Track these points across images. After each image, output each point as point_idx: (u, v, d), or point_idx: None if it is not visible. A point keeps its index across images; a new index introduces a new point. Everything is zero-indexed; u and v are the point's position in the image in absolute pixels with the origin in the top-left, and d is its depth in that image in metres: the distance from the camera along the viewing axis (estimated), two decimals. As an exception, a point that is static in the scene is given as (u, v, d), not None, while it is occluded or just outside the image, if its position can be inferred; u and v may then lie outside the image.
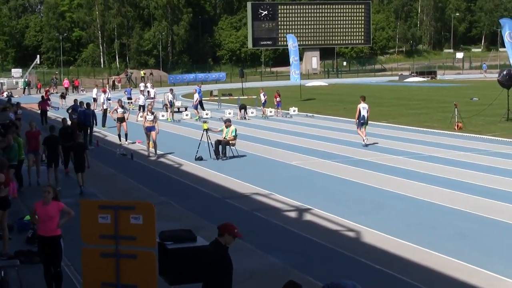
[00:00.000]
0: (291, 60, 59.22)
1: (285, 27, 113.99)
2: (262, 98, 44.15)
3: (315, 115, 43.87)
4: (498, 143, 28.95)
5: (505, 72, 38.38)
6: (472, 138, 30.65)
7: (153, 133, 26.94)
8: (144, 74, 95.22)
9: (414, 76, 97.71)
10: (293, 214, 17.27)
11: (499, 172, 22.16)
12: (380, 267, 12.67)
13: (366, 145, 28.58)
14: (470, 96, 54.95)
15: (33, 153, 21.69)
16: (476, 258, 13.08)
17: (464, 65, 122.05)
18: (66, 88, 72.85)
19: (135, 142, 31.41)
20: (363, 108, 28.78)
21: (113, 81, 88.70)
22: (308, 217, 16.92)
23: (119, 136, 31.69)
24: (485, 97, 51.00)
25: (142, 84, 61.87)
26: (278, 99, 43.79)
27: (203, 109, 45.19)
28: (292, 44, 59.52)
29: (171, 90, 44.62)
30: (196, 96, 43.53)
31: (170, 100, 43.34)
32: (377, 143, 29.48)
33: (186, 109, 45.74)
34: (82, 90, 79.21)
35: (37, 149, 21.69)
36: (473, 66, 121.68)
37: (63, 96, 56.46)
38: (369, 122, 29.58)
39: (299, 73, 59.92)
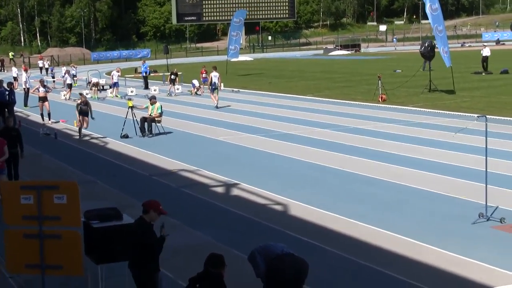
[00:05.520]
0: (230, 35, 58.67)
1: (209, 2, 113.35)
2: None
3: (241, 90, 43.87)
4: (420, 114, 29.50)
5: (426, 44, 39.09)
6: (396, 110, 31.16)
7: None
8: (13, 56, 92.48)
9: (338, 49, 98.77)
10: (221, 190, 17.26)
11: (422, 142, 22.60)
12: (308, 239, 12.78)
13: (217, 107, 33.90)
14: (393, 68, 55.83)
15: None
16: (402, 227, 13.32)
17: (387, 37, 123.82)
18: None
19: (59, 121, 30.85)
20: (214, 76, 34.90)
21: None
22: (236, 192, 16.93)
23: (42, 115, 31.14)
24: (408, 69, 51.89)
25: (14, 69, 57.03)
26: (204, 75, 43.64)
27: (146, 86, 46.71)
28: (236, 20, 58.42)
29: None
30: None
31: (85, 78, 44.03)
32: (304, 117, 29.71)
33: (110, 87, 45.19)
34: (1, 69, 77.42)
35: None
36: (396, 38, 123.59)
37: None
38: (221, 87, 36.69)
39: (238, 48, 59.49)
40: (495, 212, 13.47)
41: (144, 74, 48.48)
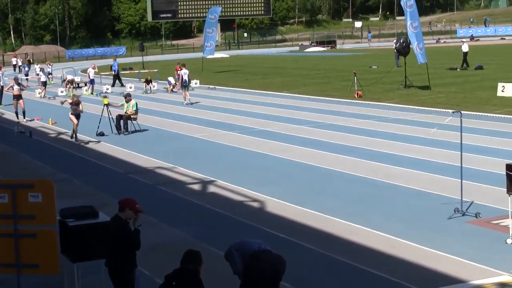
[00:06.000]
0: (205, 32, 58.36)
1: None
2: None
3: (217, 87, 43.82)
4: (396, 110, 29.64)
5: (402, 40, 39.29)
6: (372, 106, 31.27)
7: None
8: None
9: (314, 46, 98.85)
10: (197, 187, 17.24)
11: (398, 138, 22.70)
12: (285, 236, 12.80)
13: (192, 104, 34.63)
14: (369, 64, 56.02)
15: None
16: (378, 222, 13.37)
17: (363, 34, 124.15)
18: None
19: (34, 120, 30.63)
20: (184, 73, 35.76)
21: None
22: (212, 189, 16.92)
23: (17, 113, 30.89)
24: (383, 65, 52.11)
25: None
26: (179, 71, 43.39)
27: (121, 84, 46.94)
28: (211, 17, 58.10)
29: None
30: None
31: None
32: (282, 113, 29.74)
33: (85, 84, 45.00)
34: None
35: None
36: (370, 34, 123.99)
37: None
38: (191, 84, 38.44)
39: (214, 45, 59.26)
40: (471, 207, 13.57)
41: (114, 73, 48.39)
